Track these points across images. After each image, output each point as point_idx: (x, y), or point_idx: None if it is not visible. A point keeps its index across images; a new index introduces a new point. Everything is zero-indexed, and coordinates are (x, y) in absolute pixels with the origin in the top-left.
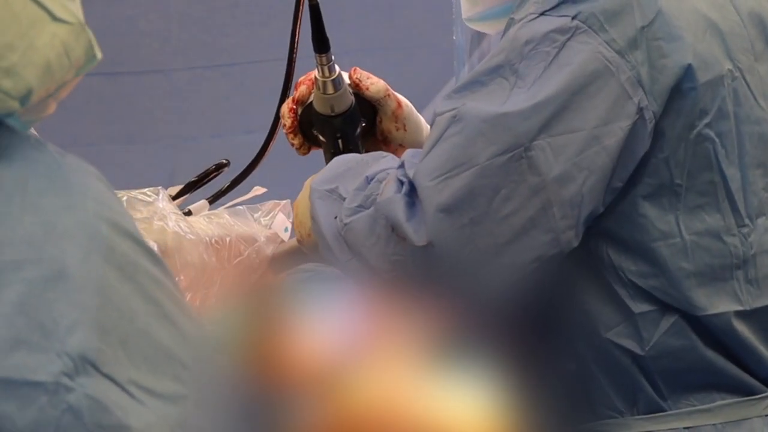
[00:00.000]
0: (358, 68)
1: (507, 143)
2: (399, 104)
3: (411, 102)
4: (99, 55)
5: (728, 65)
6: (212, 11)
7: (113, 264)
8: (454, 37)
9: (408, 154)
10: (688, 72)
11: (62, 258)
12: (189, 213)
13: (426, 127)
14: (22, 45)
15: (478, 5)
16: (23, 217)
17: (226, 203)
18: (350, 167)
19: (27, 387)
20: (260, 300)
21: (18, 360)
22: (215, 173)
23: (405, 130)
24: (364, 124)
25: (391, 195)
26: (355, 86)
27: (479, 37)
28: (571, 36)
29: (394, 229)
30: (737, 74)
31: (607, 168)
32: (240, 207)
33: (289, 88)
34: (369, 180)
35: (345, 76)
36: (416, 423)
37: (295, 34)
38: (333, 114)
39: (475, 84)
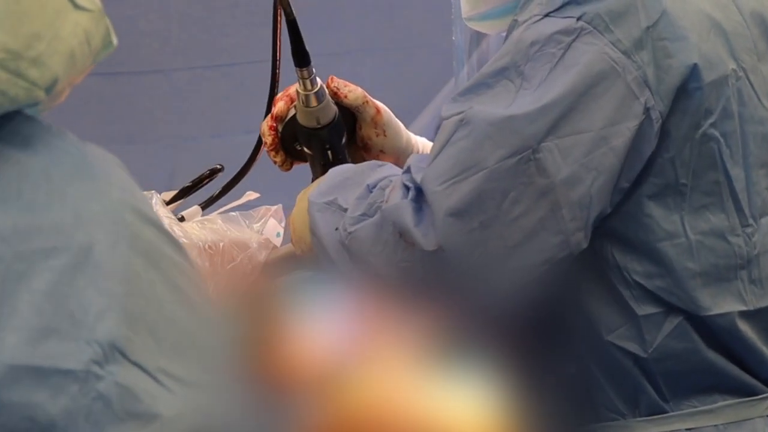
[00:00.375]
0: (334, 77)
1: (515, 146)
2: (378, 110)
3: (410, 102)
4: (115, 41)
5: (732, 65)
6: (212, 11)
7: (139, 251)
8: (453, 38)
9: (414, 159)
10: (693, 72)
11: (90, 245)
12: (182, 219)
13: (405, 131)
14: (48, 34)
15: (479, 6)
16: (51, 205)
17: (218, 209)
18: (347, 177)
19: (58, 375)
20: (258, 302)
21: (49, 348)
22: (209, 178)
23: (385, 135)
24: (345, 132)
25: (397, 201)
26: (334, 95)
27: (479, 37)
28: (577, 37)
29: (401, 235)
30: (741, 74)
31: (614, 168)
32: (233, 213)
33: (273, 100)
34: (371, 188)
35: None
36: (418, 425)
37: (276, 48)
38: (319, 126)
39: (480, 86)
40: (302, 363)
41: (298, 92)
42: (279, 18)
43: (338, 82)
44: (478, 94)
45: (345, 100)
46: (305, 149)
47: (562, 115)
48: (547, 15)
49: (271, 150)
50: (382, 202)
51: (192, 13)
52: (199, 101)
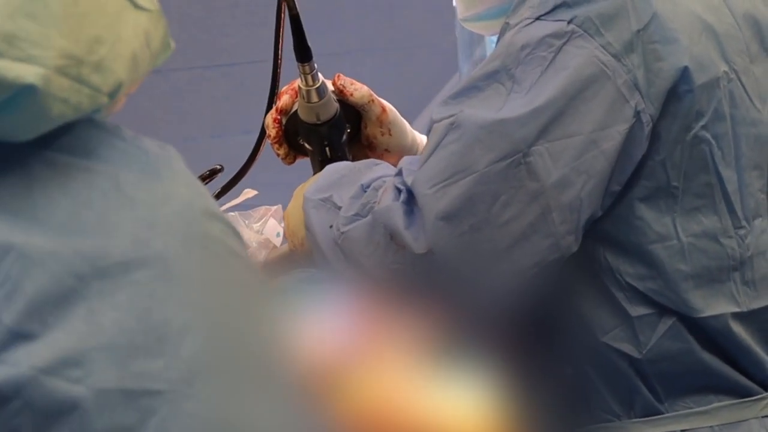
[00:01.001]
0: (341, 75)
1: (505, 150)
2: (383, 109)
3: (411, 102)
4: (173, 44)
5: (724, 67)
6: (212, 11)
7: (211, 252)
8: (456, 33)
9: (405, 161)
10: (684, 74)
11: (166, 253)
12: None
13: (410, 130)
14: (110, 37)
15: (475, 6)
16: (122, 214)
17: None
18: (344, 175)
19: (148, 397)
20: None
21: (136, 368)
22: (209, 179)
23: (390, 134)
24: (349, 131)
25: (389, 203)
26: (339, 93)
27: (479, 36)
28: (567, 40)
29: (392, 237)
30: (733, 76)
31: (605, 172)
32: (232, 213)
33: (275, 96)
34: (364, 188)
35: (328, 83)
36: (413, 425)
37: (278, 44)
38: (319, 122)
39: (471, 90)
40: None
41: (299, 87)
42: (282, 14)
43: (344, 80)
44: (468, 97)
45: (351, 98)
46: (305, 144)
47: (552, 119)
48: (538, 18)
49: (275, 142)
50: (374, 202)
51: (192, 13)
52: (199, 101)
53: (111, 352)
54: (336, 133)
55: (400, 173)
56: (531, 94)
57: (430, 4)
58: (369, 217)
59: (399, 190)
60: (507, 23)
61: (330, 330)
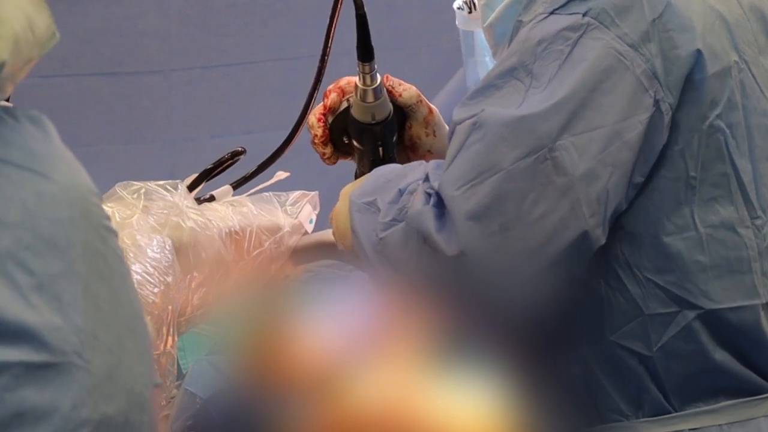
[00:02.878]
0: (390, 75)
1: (530, 146)
2: (430, 110)
3: None
4: (57, 33)
5: (735, 57)
6: (211, 11)
7: (93, 227)
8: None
9: (431, 165)
10: (698, 61)
11: (52, 231)
12: (212, 198)
13: None
14: None
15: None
16: (8, 194)
17: (249, 190)
18: (390, 179)
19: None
20: (262, 302)
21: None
22: (230, 161)
23: (435, 135)
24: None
25: (420, 207)
26: (388, 93)
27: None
28: (584, 33)
29: (425, 241)
30: (743, 66)
31: (630, 162)
32: (266, 193)
33: (317, 90)
34: (401, 192)
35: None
36: (422, 424)
37: (329, 37)
38: (374, 122)
39: (489, 88)
40: (305, 359)
41: (356, 86)
42: (338, 11)
43: (393, 81)
44: (486, 96)
45: (399, 99)
46: (355, 143)
47: (574, 112)
48: (552, 12)
49: (321, 142)
50: (409, 207)
51: (191, 13)
52: (199, 101)
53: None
54: (389, 134)
55: (427, 179)
56: (550, 88)
57: (430, 4)
58: (404, 223)
59: (428, 195)
60: (520, 21)
61: (335, 328)
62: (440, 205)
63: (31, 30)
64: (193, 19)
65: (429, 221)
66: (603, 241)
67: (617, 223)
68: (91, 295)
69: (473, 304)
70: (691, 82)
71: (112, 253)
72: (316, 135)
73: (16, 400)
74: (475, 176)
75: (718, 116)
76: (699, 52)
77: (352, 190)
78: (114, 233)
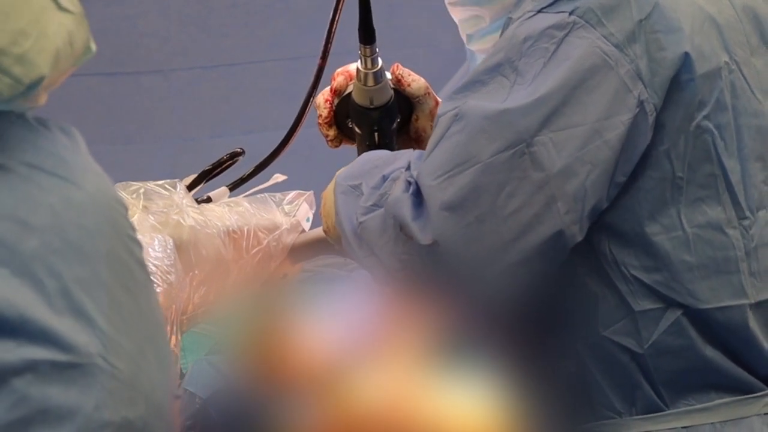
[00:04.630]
0: (400, 64)
1: (509, 139)
2: (437, 103)
3: None
4: (94, 47)
5: (725, 57)
6: (211, 11)
7: (119, 236)
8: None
9: (414, 155)
10: (686, 62)
11: (80, 238)
12: (209, 200)
13: None
14: (34, 32)
15: (478, 24)
16: (37, 200)
17: (245, 191)
18: (376, 165)
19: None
20: (262, 301)
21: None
22: (229, 162)
23: None
24: (398, 120)
25: (399, 194)
26: (397, 82)
27: None
28: (569, 31)
29: (401, 228)
30: (734, 67)
31: (609, 161)
32: (262, 194)
33: (320, 80)
34: (385, 179)
35: (386, 71)
36: (415, 422)
37: (333, 27)
38: (371, 106)
39: (475, 84)
40: (305, 359)
41: (357, 69)
42: (339, 9)
43: (403, 70)
44: (473, 91)
45: (408, 89)
46: (355, 128)
47: (555, 109)
48: (540, 11)
49: (325, 123)
50: (390, 193)
51: (191, 13)
52: (199, 101)
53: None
54: (387, 120)
55: (409, 167)
56: (534, 85)
57: (430, 4)
58: (383, 209)
59: (409, 183)
60: (510, 18)
61: (335, 327)
62: (419, 193)
63: (70, 45)
64: (193, 19)
65: (406, 209)
66: (579, 238)
67: (604, 222)
68: (114, 302)
69: (445, 293)
70: (678, 84)
71: (137, 263)
72: (321, 115)
73: (41, 398)
74: (453, 167)
75: (705, 117)
76: (686, 54)
77: (340, 172)
78: (139, 245)
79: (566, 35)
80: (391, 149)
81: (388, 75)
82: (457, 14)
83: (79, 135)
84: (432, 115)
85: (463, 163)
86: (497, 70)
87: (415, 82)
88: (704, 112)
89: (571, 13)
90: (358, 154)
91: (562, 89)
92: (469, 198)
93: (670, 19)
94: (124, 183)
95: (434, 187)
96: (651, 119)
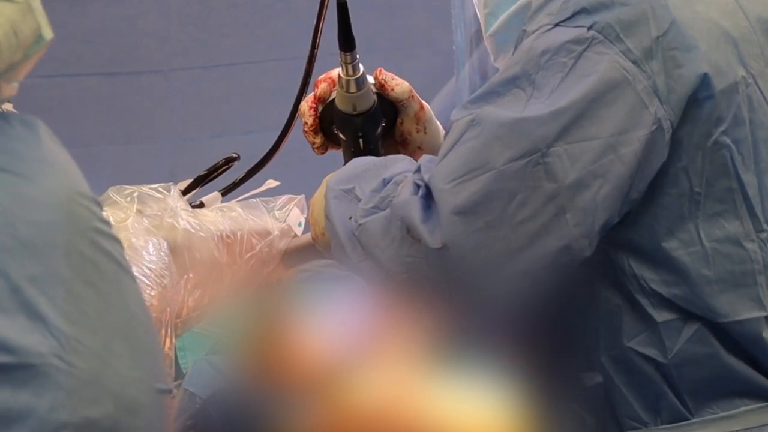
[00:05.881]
0: (383, 69)
1: (524, 148)
2: (422, 106)
3: None
4: (48, 35)
5: (742, 72)
6: (211, 11)
7: (80, 230)
8: (453, 37)
9: (424, 159)
10: (704, 81)
11: (37, 235)
12: (201, 205)
13: (443, 131)
14: None
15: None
16: None
17: (238, 196)
18: (368, 168)
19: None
20: (262, 301)
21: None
22: (225, 167)
23: (425, 132)
24: (384, 125)
25: (407, 197)
26: (380, 87)
27: (478, 37)
28: (588, 46)
29: (409, 230)
30: (750, 80)
31: (623, 177)
32: (254, 200)
33: (307, 86)
34: (386, 182)
35: (369, 77)
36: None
37: (318, 31)
38: (355, 113)
39: (491, 94)
40: (305, 359)
41: (339, 76)
42: (324, 12)
43: (386, 75)
44: (488, 102)
45: (391, 93)
46: (339, 134)
47: (572, 121)
48: (557, 24)
49: (311, 130)
50: (394, 196)
51: (191, 13)
52: (199, 101)
53: None
54: (371, 126)
55: (419, 170)
56: (552, 98)
57: (430, 4)
58: (387, 210)
59: (418, 186)
60: (524, 30)
61: (335, 327)
62: (428, 197)
63: (14, 35)
64: (193, 19)
65: (415, 211)
66: (588, 252)
67: (623, 238)
68: (74, 298)
69: (449, 297)
70: (696, 101)
71: (105, 257)
72: (306, 123)
73: None
74: (466, 172)
75: (723, 132)
76: (705, 74)
77: (330, 177)
78: (110, 237)
79: (585, 50)
80: (377, 155)
81: (371, 80)
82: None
83: (44, 127)
84: (417, 119)
85: (477, 169)
86: (514, 82)
87: (399, 86)
88: (722, 128)
89: (590, 28)
90: (344, 160)
91: (581, 102)
92: (481, 204)
93: (686, 36)
94: (117, 187)
95: (446, 191)
96: (668, 136)
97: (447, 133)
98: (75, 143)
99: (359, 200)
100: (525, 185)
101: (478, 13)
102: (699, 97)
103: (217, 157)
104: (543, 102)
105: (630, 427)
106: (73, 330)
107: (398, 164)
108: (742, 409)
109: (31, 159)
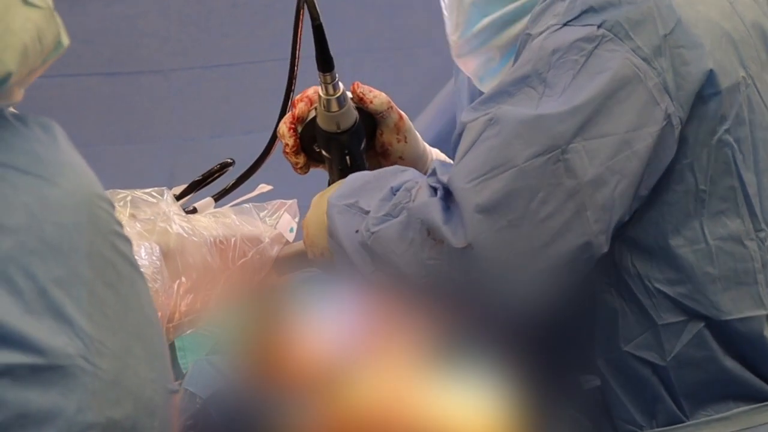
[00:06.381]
0: (359, 83)
1: (545, 145)
2: (400, 117)
3: (411, 102)
4: (66, 42)
5: (742, 72)
6: (211, 11)
7: (100, 232)
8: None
9: (437, 163)
10: (710, 78)
11: (57, 237)
12: (194, 210)
13: (421, 138)
14: None
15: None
16: (13, 199)
17: (231, 201)
18: (368, 181)
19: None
20: (262, 301)
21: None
22: (219, 173)
23: (406, 141)
24: (365, 138)
25: (426, 199)
26: (359, 100)
27: None
28: (598, 44)
29: (429, 232)
30: (749, 81)
31: (637, 173)
32: (246, 205)
33: (288, 102)
34: (395, 190)
35: (347, 92)
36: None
37: (296, 49)
38: (339, 131)
39: (502, 94)
40: (305, 359)
41: (319, 96)
42: (301, 19)
43: (363, 88)
44: (499, 102)
45: (370, 106)
46: (324, 153)
47: (589, 118)
48: (565, 24)
49: (292, 151)
50: (407, 202)
51: (191, 13)
52: (199, 101)
53: None
54: (356, 141)
55: (434, 173)
56: (566, 95)
57: (430, 4)
58: (401, 216)
59: (434, 189)
60: (528, 34)
61: (336, 327)
62: (447, 198)
63: (39, 41)
64: (193, 19)
65: (436, 213)
66: (605, 249)
67: (627, 236)
68: (96, 300)
69: (470, 298)
70: (702, 98)
71: (122, 259)
72: (287, 144)
73: (19, 402)
74: (488, 171)
75: (726, 131)
76: (711, 71)
77: (330, 194)
78: (126, 240)
79: (595, 48)
80: (364, 169)
81: (349, 94)
82: (468, 64)
83: (59, 130)
84: (397, 129)
85: (498, 167)
86: (524, 81)
87: (377, 98)
88: (725, 126)
89: (599, 27)
90: (330, 179)
91: (597, 98)
92: (503, 202)
93: (691, 35)
94: (111, 191)
95: (468, 190)
96: (677, 132)
97: (458, 135)
98: (75, 143)
99: (364, 212)
100: (546, 182)
101: (449, 39)
102: (705, 94)
103: (218, 158)
104: (556, 100)
105: (625, 429)
106: (97, 331)
107: (404, 174)
108: (735, 410)
109: (51, 161)
